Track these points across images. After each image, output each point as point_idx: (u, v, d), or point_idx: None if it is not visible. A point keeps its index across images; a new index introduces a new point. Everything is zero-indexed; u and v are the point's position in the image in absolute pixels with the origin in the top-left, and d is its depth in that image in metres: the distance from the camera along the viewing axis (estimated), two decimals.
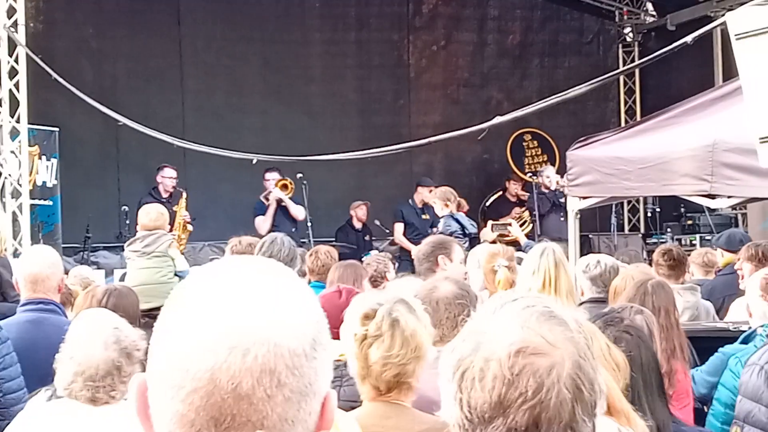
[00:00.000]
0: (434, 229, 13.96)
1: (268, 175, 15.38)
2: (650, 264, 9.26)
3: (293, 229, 14.97)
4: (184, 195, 14.78)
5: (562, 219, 15.41)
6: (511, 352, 1.81)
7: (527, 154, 19.64)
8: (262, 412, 1.46)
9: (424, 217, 15.96)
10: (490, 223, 14.34)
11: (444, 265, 6.94)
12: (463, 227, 12.35)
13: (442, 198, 12.71)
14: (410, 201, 16.32)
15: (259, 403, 1.45)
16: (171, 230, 14.18)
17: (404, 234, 15.93)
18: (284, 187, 15.43)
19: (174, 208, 14.56)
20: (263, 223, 15.19)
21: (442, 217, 12.52)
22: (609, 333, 3.98)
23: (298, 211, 15.33)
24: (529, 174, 17.95)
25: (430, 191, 15.93)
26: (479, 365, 1.83)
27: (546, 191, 16.03)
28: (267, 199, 15.36)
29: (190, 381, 1.44)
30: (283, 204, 15.35)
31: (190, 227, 14.69)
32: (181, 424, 1.46)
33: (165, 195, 15.02)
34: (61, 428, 4.14)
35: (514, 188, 18.00)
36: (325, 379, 1.54)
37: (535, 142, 19.58)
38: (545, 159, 19.36)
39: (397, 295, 4.20)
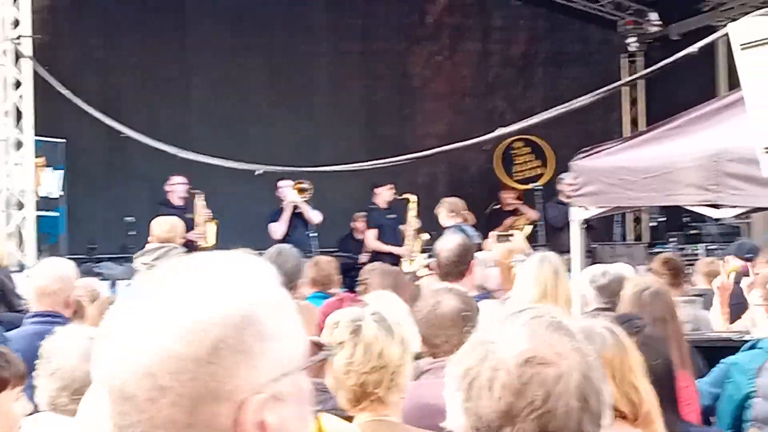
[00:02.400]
0: (403, 227, 15.07)
1: (281, 183, 15.46)
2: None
3: (308, 234, 15.06)
4: (201, 195, 15.00)
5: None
6: (520, 362, 1.83)
7: (517, 161, 19.63)
8: (148, 413, 1.50)
9: (390, 216, 16.09)
10: (494, 234, 14.34)
11: (476, 271, 6.96)
12: (469, 238, 12.36)
13: (447, 208, 12.73)
14: (372, 205, 16.39)
15: (143, 404, 1.50)
16: (193, 230, 14.43)
17: (379, 238, 16.01)
18: (301, 190, 15.49)
19: (189, 215, 14.77)
20: (278, 228, 15.23)
21: (448, 227, 12.50)
22: None
23: (314, 215, 15.39)
24: (525, 181, 18.10)
25: (388, 189, 16.11)
26: (487, 374, 1.84)
27: (566, 201, 15.94)
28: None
29: (101, 385, 1.54)
30: (298, 210, 15.40)
31: (215, 220, 14.95)
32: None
33: (179, 203, 15.15)
34: None
35: (504, 198, 18.00)
36: (245, 383, 1.51)
37: (527, 148, 19.57)
38: (539, 164, 19.39)
39: (373, 307, 4.19)
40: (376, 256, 15.47)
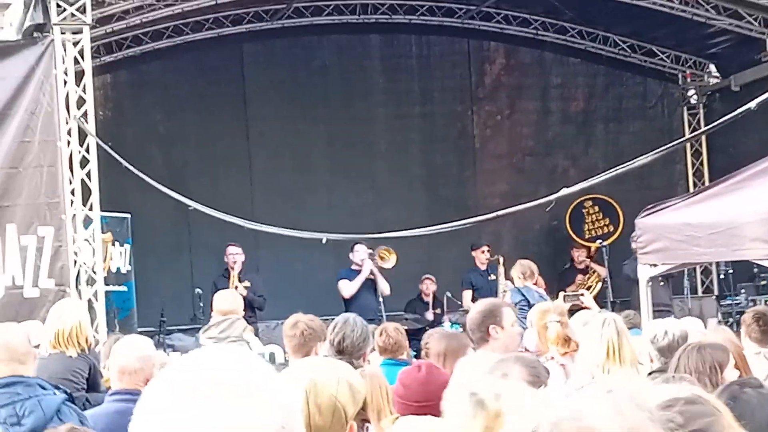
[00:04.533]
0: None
1: (357, 247, 15.55)
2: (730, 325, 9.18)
3: (377, 300, 15.16)
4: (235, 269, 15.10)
5: (661, 284, 15.18)
6: None
7: (587, 221, 19.51)
8: None
9: (490, 278, 16.12)
10: (561, 294, 14.29)
11: (495, 335, 6.85)
12: (527, 299, 12.37)
13: (518, 270, 12.93)
14: (474, 266, 16.48)
15: None
16: None
17: (473, 300, 16.00)
18: (382, 258, 15.62)
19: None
20: (348, 286, 15.40)
21: (511, 289, 12.64)
22: None
23: (385, 286, 15.52)
24: (594, 239, 18.02)
25: (483, 252, 16.16)
26: None
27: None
28: (359, 265, 15.53)
29: None
30: (372, 277, 15.52)
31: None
32: None
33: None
34: None
35: (577, 255, 18.03)
36: None
37: (596, 207, 19.46)
38: (608, 222, 19.29)
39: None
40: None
